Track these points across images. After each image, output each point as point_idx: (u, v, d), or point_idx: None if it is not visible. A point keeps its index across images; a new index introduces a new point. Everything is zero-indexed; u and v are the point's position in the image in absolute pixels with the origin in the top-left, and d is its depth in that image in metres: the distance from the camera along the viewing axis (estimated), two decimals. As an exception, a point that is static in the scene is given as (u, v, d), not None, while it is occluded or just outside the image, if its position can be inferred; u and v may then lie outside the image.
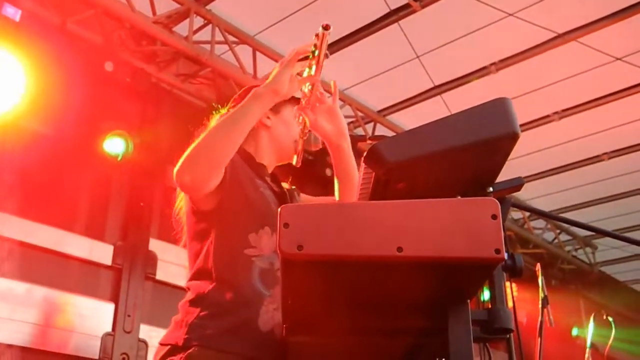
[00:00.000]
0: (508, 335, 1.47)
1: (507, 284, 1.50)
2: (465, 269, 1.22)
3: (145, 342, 5.03)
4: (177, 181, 1.90)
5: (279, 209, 1.24)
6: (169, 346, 1.90)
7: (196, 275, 2.01)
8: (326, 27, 1.85)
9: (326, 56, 1.94)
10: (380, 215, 1.23)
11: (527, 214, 8.35)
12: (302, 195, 2.31)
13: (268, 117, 2.22)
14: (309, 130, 2.17)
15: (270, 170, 2.24)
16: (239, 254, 1.97)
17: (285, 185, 2.27)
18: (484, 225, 1.20)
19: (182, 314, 1.96)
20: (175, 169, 1.89)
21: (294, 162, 2.21)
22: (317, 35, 1.89)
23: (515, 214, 8.32)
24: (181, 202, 2.14)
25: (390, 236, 1.20)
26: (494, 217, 1.20)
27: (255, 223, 2.01)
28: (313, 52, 1.92)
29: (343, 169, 2.18)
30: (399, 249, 1.19)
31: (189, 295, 1.99)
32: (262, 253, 1.98)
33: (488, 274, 1.31)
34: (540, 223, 8.53)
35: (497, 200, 1.22)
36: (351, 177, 2.16)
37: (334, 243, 1.20)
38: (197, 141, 1.89)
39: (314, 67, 1.95)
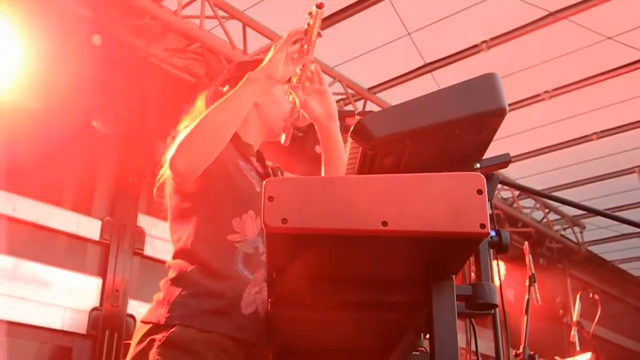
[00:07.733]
0: (493, 311, 1.47)
1: (495, 261, 1.51)
2: (450, 243, 1.21)
3: (133, 317, 5.03)
4: (171, 168, 1.88)
5: (264, 183, 1.23)
6: (151, 324, 1.89)
7: (178, 255, 1.99)
8: (319, 6, 1.83)
9: (319, 35, 1.92)
10: (365, 189, 1.22)
11: (517, 193, 8.38)
12: (287, 174, 2.29)
13: None
14: (299, 110, 2.15)
15: (256, 149, 2.21)
16: (222, 240, 1.95)
17: (269, 163, 2.25)
18: (470, 200, 1.19)
19: (164, 293, 1.94)
20: (169, 156, 1.87)
21: (282, 141, 2.18)
22: (310, 13, 1.86)
23: (505, 193, 8.34)
24: (162, 178, 2.11)
25: (374, 210, 1.19)
26: (480, 192, 1.20)
27: (239, 208, 1.99)
28: (306, 32, 1.90)
29: (330, 150, 2.16)
30: (384, 223, 1.18)
31: (171, 274, 1.97)
32: (245, 238, 1.97)
33: (473, 249, 1.30)
34: (529, 202, 8.55)
35: (482, 175, 1.22)
36: (338, 158, 2.14)
37: (318, 217, 1.19)
38: (190, 127, 1.86)
39: (306, 47, 1.93)
